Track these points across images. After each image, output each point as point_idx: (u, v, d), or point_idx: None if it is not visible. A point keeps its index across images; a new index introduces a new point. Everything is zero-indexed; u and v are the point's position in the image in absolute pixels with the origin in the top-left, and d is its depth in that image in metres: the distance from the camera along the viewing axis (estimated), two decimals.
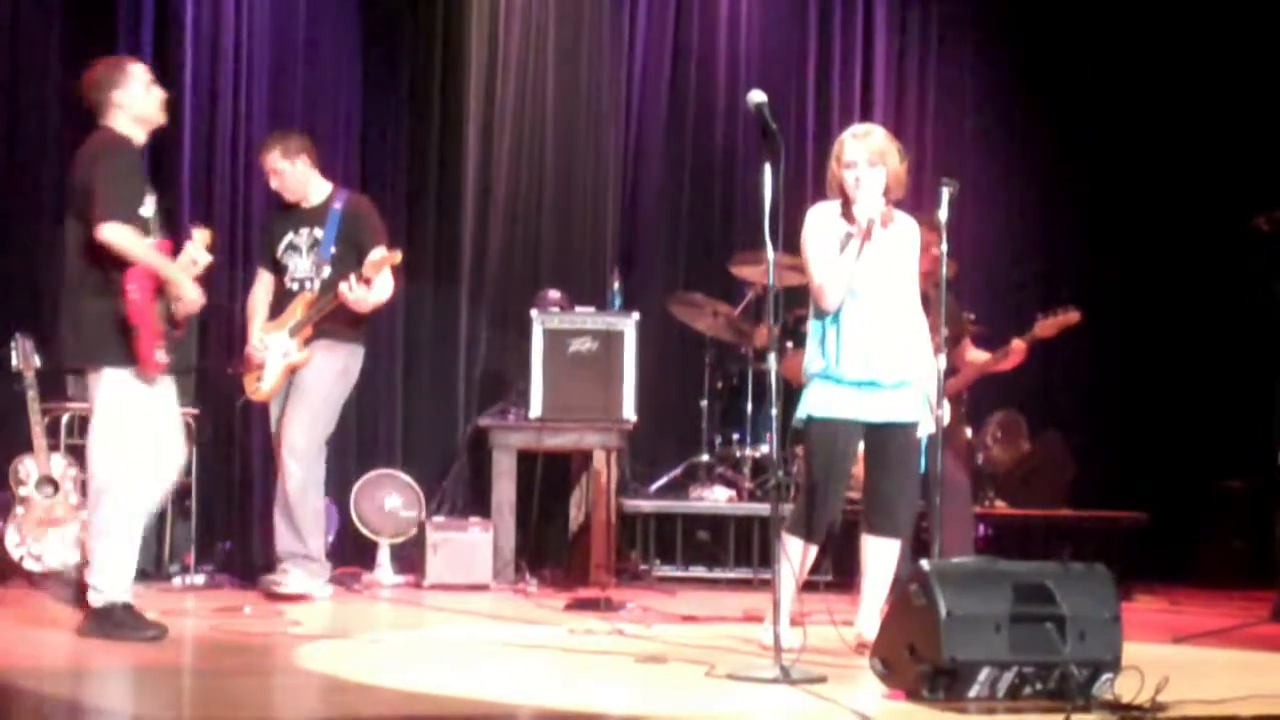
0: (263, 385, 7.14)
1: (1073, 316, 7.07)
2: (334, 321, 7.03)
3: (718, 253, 9.44)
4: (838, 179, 5.53)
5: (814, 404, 5.51)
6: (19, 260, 8.08)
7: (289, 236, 7.15)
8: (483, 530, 8.00)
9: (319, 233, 7.10)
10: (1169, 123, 9.98)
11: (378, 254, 6.96)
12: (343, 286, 6.89)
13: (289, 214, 7.24)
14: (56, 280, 5.72)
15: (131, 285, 5.43)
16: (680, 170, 9.78)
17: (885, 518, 5.57)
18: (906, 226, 5.60)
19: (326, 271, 7.06)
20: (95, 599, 5.52)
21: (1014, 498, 9.06)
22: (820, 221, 5.56)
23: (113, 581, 5.51)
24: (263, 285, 7.26)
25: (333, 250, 7.06)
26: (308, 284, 7.09)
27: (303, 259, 7.11)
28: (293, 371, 7.04)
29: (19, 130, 8.20)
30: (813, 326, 5.58)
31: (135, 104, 5.72)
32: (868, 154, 5.47)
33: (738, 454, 8.77)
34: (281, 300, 7.15)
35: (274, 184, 7.21)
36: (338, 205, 7.14)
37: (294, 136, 7.26)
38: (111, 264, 5.49)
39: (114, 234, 5.46)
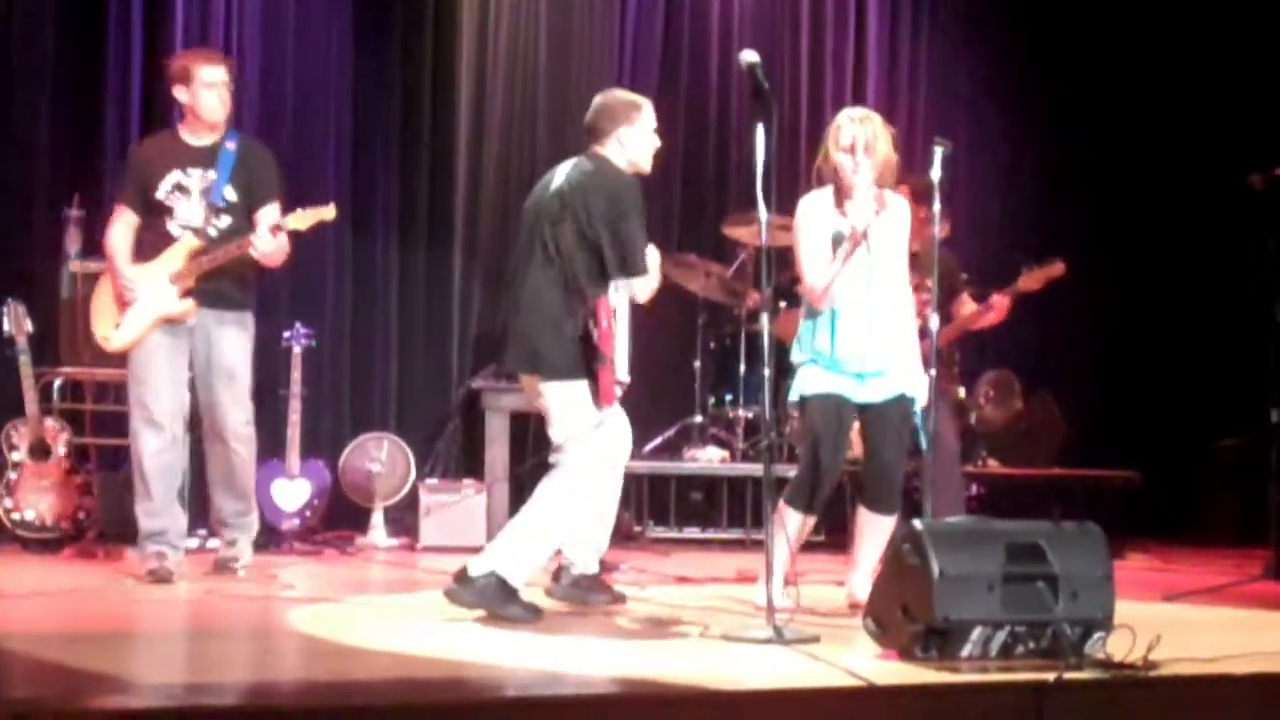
0: (119, 334, 6.26)
1: (1057, 268, 7.00)
2: (240, 291, 6.35)
3: (710, 214, 9.41)
4: (833, 163, 5.45)
5: (807, 385, 5.49)
6: (15, 232, 8.10)
7: (175, 175, 6.26)
8: (476, 493, 8.00)
9: (211, 175, 6.26)
10: (1163, 82, 9.96)
11: (311, 212, 6.27)
12: (256, 237, 6.15)
13: (172, 150, 6.35)
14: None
15: (604, 320, 5.25)
16: (673, 130, 9.67)
17: (884, 495, 5.55)
18: (898, 209, 5.52)
19: (225, 221, 6.27)
20: (484, 569, 5.16)
21: (1006, 457, 9.06)
22: (811, 214, 5.48)
23: (522, 567, 5.21)
24: (123, 225, 6.31)
25: (225, 196, 6.27)
26: (200, 232, 6.25)
27: (192, 204, 6.26)
28: (167, 323, 6.23)
29: (13, 115, 8.22)
30: (804, 321, 5.53)
31: (634, 146, 5.53)
32: (865, 138, 5.39)
33: (730, 415, 8.78)
34: (157, 245, 6.27)
35: (213, 98, 6.27)
36: (231, 146, 6.33)
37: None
38: (584, 296, 5.28)
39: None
